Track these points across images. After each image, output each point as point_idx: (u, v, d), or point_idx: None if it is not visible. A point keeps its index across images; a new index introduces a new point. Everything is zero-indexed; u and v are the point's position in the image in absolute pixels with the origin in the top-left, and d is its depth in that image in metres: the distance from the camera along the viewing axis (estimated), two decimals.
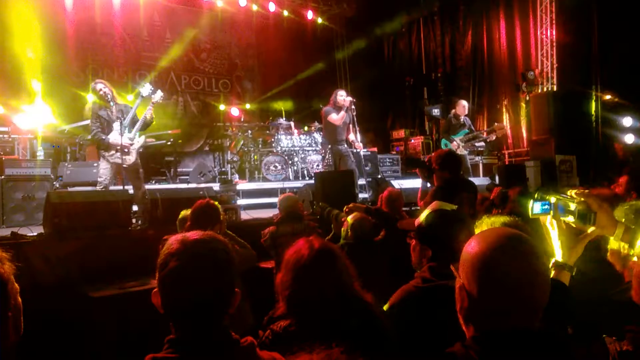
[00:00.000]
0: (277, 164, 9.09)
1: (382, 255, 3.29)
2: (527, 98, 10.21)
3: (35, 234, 4.66)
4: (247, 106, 11.78)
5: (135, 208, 5.68)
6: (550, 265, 1.48)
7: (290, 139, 9.60)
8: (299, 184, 8.28)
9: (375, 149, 10.78)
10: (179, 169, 9.81)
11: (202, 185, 7.61)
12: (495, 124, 8.58)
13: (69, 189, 6.74)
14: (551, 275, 1.43)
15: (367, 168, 8.82)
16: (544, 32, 10.22)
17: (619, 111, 9.06)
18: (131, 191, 5.70)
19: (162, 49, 11.22)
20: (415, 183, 7.06)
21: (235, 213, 5.81)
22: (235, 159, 9.80)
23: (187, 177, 9.02)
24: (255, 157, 9.30)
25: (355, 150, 7.50)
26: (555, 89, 10.05)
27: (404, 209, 6.38)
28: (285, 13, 12.12)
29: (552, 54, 10.19)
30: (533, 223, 2.18)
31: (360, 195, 7.23)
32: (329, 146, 7.39)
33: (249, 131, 9.68)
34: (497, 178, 7.93)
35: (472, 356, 1.10)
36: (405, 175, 9.64)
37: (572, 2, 9.77)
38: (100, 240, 4.59)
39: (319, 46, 12.85)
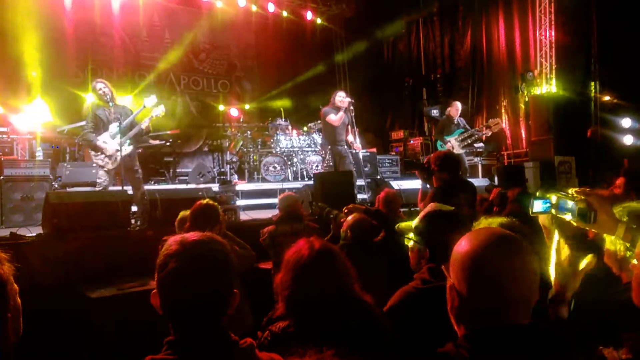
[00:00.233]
0: (276, 165, 9.09)
1: (381, 256, 3.29)
2: (526, 99, 10.21)
3: (34, 234, 4.65)
4: (247, 107, 11.79)
5: (134, 209, 5.68)
6: (548, 299, 1.48)
7: (290, 140, 9.60)
8: (298, 184, 8.28)
9: (374, 150, 10.78)
10: (178, 170, 9.81)
11: (202, 185, 7.62)
12: (490, 119, 8.57)
13: (68, 190, 6.74)
14: (550, 311, 1.44)
15: (367, 169, 8.82)
16: (543, 33, 10.22)
17: (618, 112, 9.07)
18: (130, 192, 5.70)
19: (161, 49, 11.22)
20: (415, 184, 7.07)
21: (234, 214, 5.81)
22: (234, 159, 9.80)
23: (186, 178, 9.03)
24: (255, 157, 9.29)
25: (354, 151, 7.51)
26: (554, 90, 10.06)
27: (403, 209, 6.40)
28: (285, 14, 12.12)
29: (551, 54, 10.20)
30: (532, 223, 2.18)
31: (359, 196, 7.23)
32: (328, 147, 7.40)
33: (248, 132, 9.68)
34: (496, 179, 7.94)
35: (463, 355, 1.11)
36: (405, 176, 9.64)
37: (571, 3, 9.79)
38: (99, 241, 4.58)
39: (318, 47, 12.86)
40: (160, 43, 11.31)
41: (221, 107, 11.35)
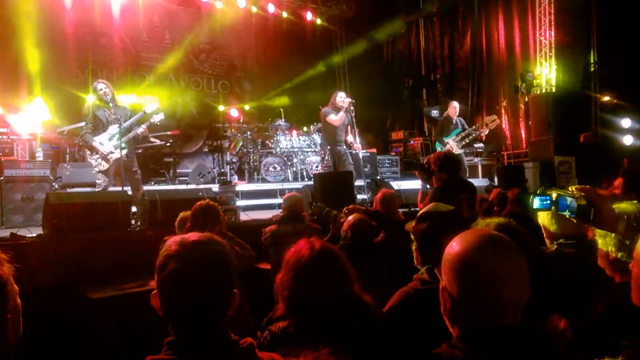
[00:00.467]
0: (276, 165, 9.09)
1: (381, 257, 3.29)
2: (526, 99, 10.22)
3: (34, 235, 4.65)
4: (247, 107, 11.79)
5: (134, 209, 5.68)
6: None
7: (290, 140, 9.61)
8: (298, 185, 8.28)
9: (374, 150, 10.79)
10: (178, 170, 9.81)
11: (202, 186, 7.62)
12: (486, 117, 8.56)
13: (68, 190, 6.74)
14: None
15: (366, 169, 8.82)
16: (543, 33, 10.23)
17: (617, 112, 9.07)
18: (130, 192, 5.71)
19: (161, 50, 11.22)
20: (415, 184, 7.07)
21: (234, 214, 5.81)
22: (234, 160, 9.80)
23: (187, 179, 9.02)
24: (255, 158, 9.29)
25: (354, 152, 7.51)
26: (554, 90, 10.06)
27: (403, 210, 6.40)
28: (285, 14, 12.13)
29: (550, 55, 10.21)
30: (531, 224, 2.18)
31: (359, 197, 7.23)
32: (328, 147, 7.40)
33: (248, 132, 9.68)
34: (496, 179, 7.94)
35: (456, 355, 1.12)
36: (405, 176, 9.64)
37: (571, 3, 9.79)
38: (99, 242, 4.58)
39: (318, 47, 12.86)
40: (161, 44, 11.31)
41: (221, 108, 11.35)
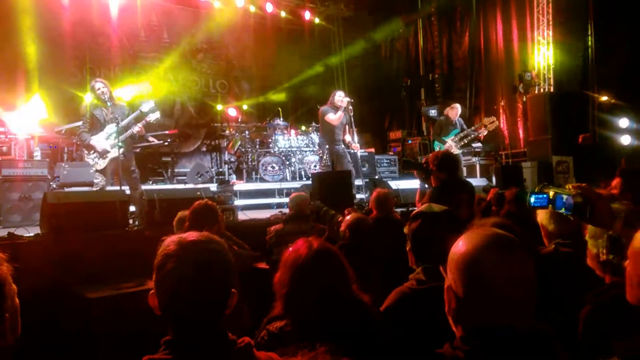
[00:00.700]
0: (274, 165, 9.09)
1: (379, 256, 3.29)
2: (524, 99, 10.23)
3: (32, 234, 4.64)
4: (245, 107, 11.78)
5: (132, 209, 5.68)
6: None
7: (288, 140, 9.61)
8: (296, 184, 8.28)
9: (372, 150, 10.79)
10: (176, 170, 9.81)
11: (200, 185, 7.60)
12: (485, 118, 8.59)
13: (66, 190, 6.73)
14: None
15: (365, 169, 8.82)
16: (541, 33, 10.25)
17: (615, 112, 9.08)
18: (128, 192, 5.70)
19: (159, 49, 11.21)
20: (413, 184, 7.07)
21: (232, 214, 5.80)
22: (232, 159, 9.79)
23: (185, 178, 9.02)
24: (253, 157, 9.29)
25: (352, 151, 7.51)
26: (552, 90, 10.08)
27: (401, 209, 6.40)
28: (283, 14, 12.12)
29: (548, 55, 10.22)
30: (528, 223, 2.19)
31: (358, 196, 7.23)
32: (326, 146, 7.40)
33: (247, 132, 9.68)
34: (494, 179, 7.95)
35: (459, 357, 1.11)
36: (403, 175, 9.65)
37: (569, 3, 9.81)
38: (97, 241, 4.57)
39: (317, 47, 12.86)
40: (159, 43, 11.30)
41: (219, 107, 11.35)
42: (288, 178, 9.13)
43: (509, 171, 7.95)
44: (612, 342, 1.18)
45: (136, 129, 5.78)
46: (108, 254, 4.46)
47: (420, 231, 2.03)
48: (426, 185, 4.47)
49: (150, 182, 8.78)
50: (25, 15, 8.61)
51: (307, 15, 12.35)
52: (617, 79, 8.92)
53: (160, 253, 1.29)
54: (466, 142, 8.15)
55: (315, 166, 9.20)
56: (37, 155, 7.25)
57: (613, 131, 9.07)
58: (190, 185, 8.05)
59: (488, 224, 1.83)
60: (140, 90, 9.95)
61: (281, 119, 9.93)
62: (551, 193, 1.60)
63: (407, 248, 2.09)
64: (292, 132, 9.86)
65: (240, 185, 8.45)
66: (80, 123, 6.25)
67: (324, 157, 7.66)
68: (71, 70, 10.02)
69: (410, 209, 6.23)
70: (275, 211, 6.91)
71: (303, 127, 10.25)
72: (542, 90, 10.15)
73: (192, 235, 1.32)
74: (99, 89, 5.72)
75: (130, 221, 5.40)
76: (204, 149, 11.32)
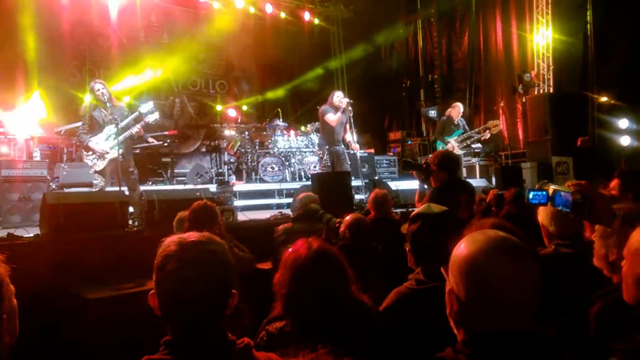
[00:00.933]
0: (274, 165, 9.08)
1: (378, 257, 3.29)
2: (524, 100, 10.23)
3: (31, 235, 4.64)
4: (244, 107, 11.79)
5: (131, 209, 5.68)
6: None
7: (288, 140, 9.61)
8: (296, 185, 8.28)
9: (372, 150, 10.79)
10: (175, 170, 9.80)
11: (199, 186, 7.60)
12: (489, 121, 8.61)
13: (66, 190, 6.72)
14: None
15: (364, 169, 8.82)
16: (540, 34, 10.25)
17: (615, 113, 9.08)
18: (127, 193, 5.71)
19: (159, 50, 11.20)
20: (413, 184, 7.07)
21: (232, 214, 5.80)
22: (232, 160, 9.79)
23: (184, 179, 9.01)
24: (253, 158, 9.29)
25: (351, 152, 7.50)
26: (551, 90, 10.08)
27: (401, 210, 6.40)
28: (283, 15, 12.13)
29: (548, 55, 10.23)
30: (527, 224, 2.18)
31: (357, 197, 7.23)
32: (326, 147, 7.39)
33: (246, 132, 9.68)
34: (493, 179, 7.95)
35: None
36: (403, 176, 9.64)
37: (568, 3, 9.81)
38: (96, 242, 4.57)
39: (316, 48, 12.87)
40: (158, 44, 11.29)
41: (219, 108, 11.34)
42: (288, 179, 9.13)
43: (508, 172, 7.96)
44: (613, 344, 1.17)
45: (135, 130, 5.78)
46: (107, 255, 4.45)
47: (420, 232, 2.02)
48: (425, 186, 4.47)
49: (150, 183, 8.78)
50: (24, 16, 8.61)
51: (307, 16, 12.36)
52: (617, 80, 8.93)
53: (160, 253, 1.29)
54: (468, 143, 8.17)
55: (315, 167, 9.20)
56: (37, 156, 7.24)
57: (613, 132, 9.07)
58: (189, 186, 8.04)
59: (486, 225, 1.83)
60: (140, 78, 10.01)
61: (281, 120, 9.93)
62: (550, 190, 1.60)
63: (407, 249, 2.09)
64: (292, 132, 9.86)
65: (239, 186, 8.45)
66: (79, 124, 6.25)
67: (324, 157, 7.66)
68: (71, 71, 10.02)
69: (409, 209, 6.23)
70: (275, 212, 6.91)
71: (303, 128, 10.25)
72: (541, 91, 10.16)
73: (192, 235, 1.32)
74: (98, 90, 5.72)
75: (130, 222, 5.39)
76: (204, 149, 11.32)
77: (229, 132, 9.85)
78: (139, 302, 1.66)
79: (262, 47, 12.42)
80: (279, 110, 10.24)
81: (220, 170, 9.78)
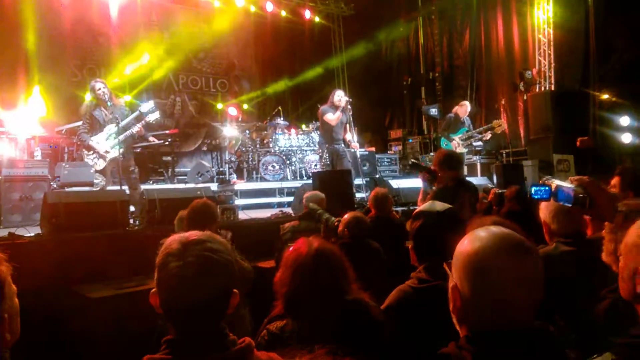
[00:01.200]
0: (275, 164, 9.08)
1: (378, 255, 3.29)
2: (525, 97, 10.22)
3: (32, 234, 4.64)
4: (245, 106, 11.78)
5: (132, 208, 5.68)
6: None
7: (288, 139, 9.60)
8: (297, 183, 8.28)
9: (373, 149, 10.79)
10: (176, 169, 9.80)
11: (200, 185, 7.59)
12: (494, 120, 8.61)
13: (67, 190, 6.72)
14: None
15: (365, 168, 8.82)
16: (542, 31, 10.23)
17: (616, 110, 9.07)
18: (128, 191, 5.71)
19: (160, 48, 11.18)
20: (413, 183, 7.07)
21: (233, 213, 5.80)
22: (233, 159, 9.79)
23: (185, 177, 9.01)
24: (253, 157, 9.30)
25: (352, 150, 7.50)
26: (553, 88, 10.07)
27: (402, 208, 6.40)
28: (283, 13, 12.12)
29: (549, 53, 10.21)
30: (527, 223, 2.18)
31: (358, 195, 7.23)
32: (326, 146, 7.39)
33: (247, 131, 9.67)
34: (494, 177, 7.94)
35: (465, 357, 1.09)
36: (404, 174, 9.64)
37: (570, 0, 9.79)
38: (97, 241, 4.57)
39: (317, 46, 12.85)
40: (159, 43, 11.28)
41: (220, 106, 11.34)
42: (288, 177, 9.13)
43: (509, 170, 7.95)
44: (615, 339, 1.17)
45: (136, 129, 5.79)
46: (109, 254, 4.45)
47: (422, 229, 2.02)
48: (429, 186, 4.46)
49: (151, 182, 8.78)
50: (25, 15, 8.61)
51: (307, 14, 12.35)
52: (619, 77, 8.91)
53: (162, 252, 1.29)
54: (472, 142, 8.19)
55: (315, 165, 9.20)
56: (38, 155, 7.24)
57: (614, 129, 9.05)
58: (190, 185, 8.03)
59: (487, 223, 1.82)
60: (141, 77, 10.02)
61: (281, 118, 9.93)
62: (553, 186, 1.60)
63: (410, 246, 2.08)
64: (293, 131, 9.85)
65: (240, 185, 8.45)
66: (80, 123, 6.25)
67: (324, 156, 7.66)
68: (71, 70, 10.02)
69: (410, 207, 6.23)
70: (275, 210, 6.91)
71: (304, 126, 10.25)
72: (542, 88, 10.14)
73: (194, 234, 1.31)
74: (99, 89, 5.72)
75: (131, 221, 5.40)
76: (205, 148, 11.32)
77: (229, 131, 9.84)
78: (140, 300, 1.66)
79: (262, 46, 12.41)
80: (280, 108, 10.24)
81: (221, 169, 9.77)
